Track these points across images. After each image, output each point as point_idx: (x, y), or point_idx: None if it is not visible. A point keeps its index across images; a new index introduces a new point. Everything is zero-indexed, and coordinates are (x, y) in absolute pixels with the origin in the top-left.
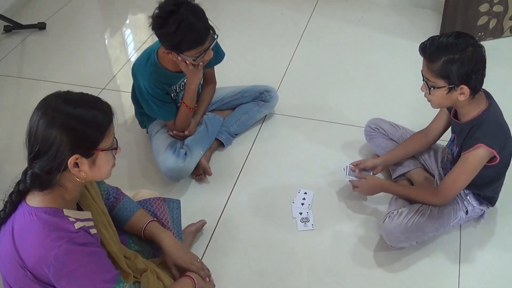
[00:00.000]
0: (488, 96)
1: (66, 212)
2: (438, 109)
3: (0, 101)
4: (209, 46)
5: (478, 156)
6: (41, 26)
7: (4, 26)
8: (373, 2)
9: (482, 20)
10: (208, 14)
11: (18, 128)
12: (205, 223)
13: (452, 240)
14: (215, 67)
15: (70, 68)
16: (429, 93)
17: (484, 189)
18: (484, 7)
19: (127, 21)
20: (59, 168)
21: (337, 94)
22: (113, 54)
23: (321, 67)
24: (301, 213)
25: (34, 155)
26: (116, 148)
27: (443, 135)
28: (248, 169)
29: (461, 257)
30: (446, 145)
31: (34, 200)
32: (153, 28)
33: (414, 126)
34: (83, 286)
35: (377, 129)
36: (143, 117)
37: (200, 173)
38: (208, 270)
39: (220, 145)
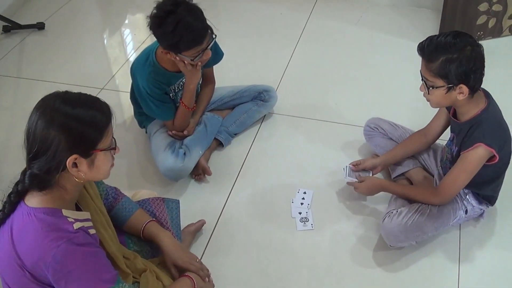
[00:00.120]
0: (487, 95)
1: (65, 212)
2: (437, 109)
3: None
4: (207, 46)
5: (477, 155)
6: (40, 26)
7: (3, 26)
8: (372, 1)
9: (481, 20)
10: (206, 14)
11: (17, 128)
12: (204, 223)
13: (451, 240)
14: (214, 66)
15: (69, 68)
16: (428, 93)
17: (484, 188)
18: (483, 6)
19: (126, 21)
20: (58, 168)
21: (336, 93)
22: (112, 54)
23: (320, 67)
24: (300, 213)
25: (32, 156)
26: (114, 148)
27: (442, 134)
28: (247, 169)
29: (460, 256)
30: (446, 145)
31: (33, 200)
32: (151, 28)
33: (413, 126)
34: (82, 287)
35: (377, 128)
36: (142, 117)
37: (199, 173)
38: (207, 270)
39: (219, 145)
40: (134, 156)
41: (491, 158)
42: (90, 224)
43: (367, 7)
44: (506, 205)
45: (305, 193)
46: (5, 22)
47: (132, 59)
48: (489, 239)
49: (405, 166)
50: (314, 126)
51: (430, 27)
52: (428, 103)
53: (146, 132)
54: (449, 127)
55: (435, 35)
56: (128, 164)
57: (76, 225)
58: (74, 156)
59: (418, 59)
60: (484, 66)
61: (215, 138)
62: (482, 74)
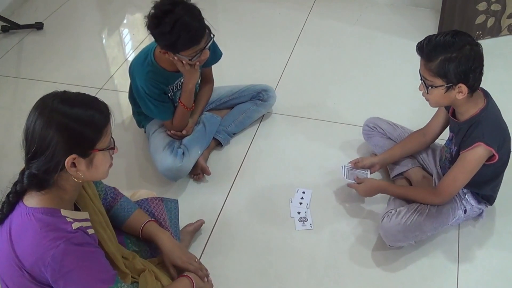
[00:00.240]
0: (486, 94)
1: (63, 212)
2: (436, 108)
3: None
4: (205, 46)
5: (477, 154)
6: (39, 26)
7: (2, 26)
8: (371, 1)
9: (480, 19)
10: (205, 14)
11: (15, 128)
12: (203, 222)
13: (450, 239)
14: (213, 66)
15: (68, 68)
16: (427, 92)
17: (483, 188)
18: (482, 6)
19: (125, 21)
20: (56, 168)
21: (335, 93)
22: (111, 53)
23: (319, 66)
24: (299, 213)
25: (31, 156)
26: (113, 148)
27: (441, 134)
28: (246, 168)
29: (460, 256)
30: (444, 144)
31: (32, 200)
32: (148, 28)
33: (412, 125)
34: (81, 287)
35: (375, 128)
36: (141, 116)
37: (198, 172)
38: (206, 270)
39: (218, 144)
40: (132, 156)
41: (491, 157)
42: (88, 224)
43: (366, 6)
44: (505, 204)
45: (304, 192)
46: (3, 22)
47: (130, 59)
48: (488, 239)
49: (404, 166)
50: (313, 125)
51: (428, 27)
52: (427, 102)
53: (145, 132)
54: (448, 127)
55: (434, 35)
56: (127, 164)
57: (75, 225)
58: (73, 156)
59: (417, 59)
60: (483, 65)
61: (214, 137)
62: (481, 73)
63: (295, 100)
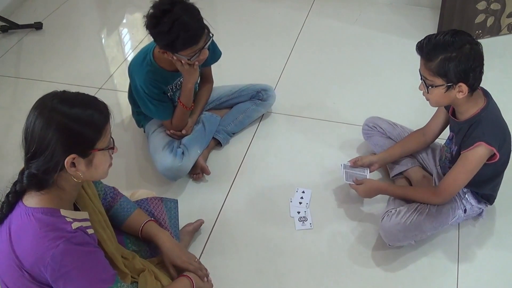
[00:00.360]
0: (486, 94)
1: (63, 212)
2: (436, 108)
3: None
4: (204, 45)
5: (478, 154)
6: (38, 26)
7: (1, 26)
8: (370, 0)
9: (479, 18)
10: (204, 13)
11: (15, 128)
12: (203, 222)
13: (450, 239)
14: (212, 66)
15: (67, 68)
16: (427, 92)
17: (483, 187)
18: (481, 5)
19: (124, 20)
20: (56, 168)
21: (334, 92)
22: (110, 53)
23: (318, 66)
24: (299, 212)
25: (30, 155)
26: (113, 148)
27: (441, 133)
28: (245, 168)
29: (459, 256)
30: (444, 144)
31: (31, 200)
32: (147, 28)
33: (412, 125)
34: (80, 287)
35: (375, 127)
36: (140, 116)
37: (197, 172)
38: (206, 270)
39: (218, 144)
40: (132, 155)
41: (491, 156)
42: (88, 224)
43: (365, 5)
44: (505, 204)
45: (303, 192)
46: (2, 22)
47: (130, 58)
48: (488, 238)
49: (404, 165)
50: (313, 125)
51: (428, 26)
52: (427, 102)
53: (144, 132)
54: (448, 126)
55: (434, 34)
56: (126, 164)
57: (75, 225)
58: (72, 156)
59: (416, 57)
60: (483, 64)
61: (213, 137)
62: (481, 73)
63: (294, 99)
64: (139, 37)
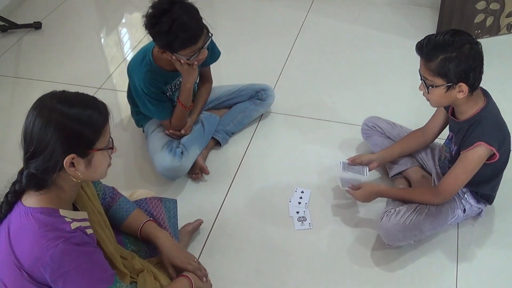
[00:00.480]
0: (485, 94)
1: (62, 212)
2: (436, 108)
3: None
4: (203, 45)
5: (478, 154)
6: (37, 26)
7: (0, 25)
8: (370, 0)
9: (478, 18)
10: (203, 13)
11: (14, 128)
12: (202, 222)
13: (450, 239)
14: (211, 65)
15: (66, 68)
16: (428, 92)
17: (482, 187)
18: (480, 5)
19: (123, 20)
20: (55, 168)
21: (334, 92)
22: (109, 53)
23: (317, 66)
24: (298, 212)
25: (29, 155)
26: (112, 148)
27: (441, 133)
28: (244, 168)
29: (459, 255)
30: (444, 144)
31: (30, 200)
32: (146, 27)
33: (411, 125)
34: (79, 287)
35: (374, 127)
36: (139, 116)
37: (196, 172)
38: (205, 270)
39: (217, 144)
40: (131, 155)
41: (491, 156)
42: (87, 224)
43: (365, 5)
44: (504, 204)
45: (302, 192)
46: (1, 21)
47: (129, 58)
48: (487, 238)
49: (403, 165)
50: (312, 125)
51: (427, 26)
52: (427, 102)
53: (143, 132)
54: (447, 126)
55: (433, 34)
56: (125, 164)
57: (74, 225)
58: (71, 155)
59: (416, 58)
60: (483, 64)
61: (212, 137)
62: (481, 72)
63: (294, 99)
64: (138, 37)
